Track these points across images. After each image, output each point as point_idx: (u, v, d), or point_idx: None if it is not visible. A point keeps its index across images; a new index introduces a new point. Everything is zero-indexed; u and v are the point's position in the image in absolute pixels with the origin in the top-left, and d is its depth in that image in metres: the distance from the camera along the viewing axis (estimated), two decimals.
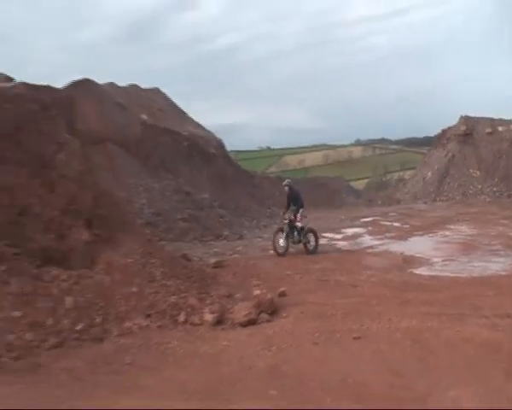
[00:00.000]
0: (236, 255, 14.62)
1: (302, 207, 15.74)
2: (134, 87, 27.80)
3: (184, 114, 30.91)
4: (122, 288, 8.19)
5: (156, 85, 30.59)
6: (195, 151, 25.72)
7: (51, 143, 8.90)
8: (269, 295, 8.81)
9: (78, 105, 12.28)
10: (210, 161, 26.52)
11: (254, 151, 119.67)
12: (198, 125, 30.47)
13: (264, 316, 8.12)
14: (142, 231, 11.24)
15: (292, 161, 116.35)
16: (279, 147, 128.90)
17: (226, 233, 20.20)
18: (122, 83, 26.59)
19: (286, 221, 15.39)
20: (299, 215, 15.49)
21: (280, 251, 15.09)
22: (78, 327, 7.01)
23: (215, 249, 16.20)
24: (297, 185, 36.76)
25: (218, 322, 7.91)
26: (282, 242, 15.26)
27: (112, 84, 24.62)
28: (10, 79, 11.76)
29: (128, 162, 19.57)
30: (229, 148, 33.55)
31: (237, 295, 9.39)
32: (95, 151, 13.47)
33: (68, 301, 7.31)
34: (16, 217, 8.06)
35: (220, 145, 30.21)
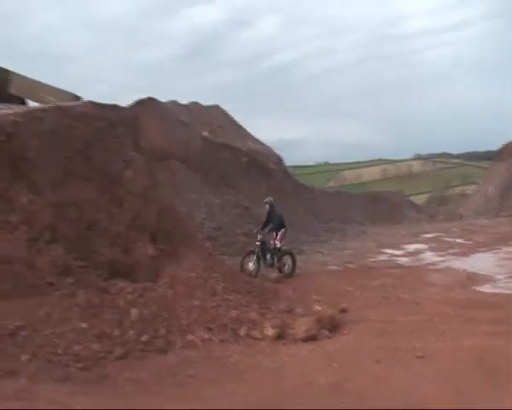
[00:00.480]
0: (296, 270, 14.56)
1: (284, 227, 14.82)
2: (195, 104, 28.27)
3: (243, 129, 31.17)
4: (185, 301, 8.31)
5: (216, 102, 30.99)
6: (254, 166, 25.86)
7: (118, 160, 9.17)
8: (329, 311, 8.79)
9: (142, 123, 12.61)
10: (269, 176, 26.59)
11: (312, 166, 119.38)
12: (257, 141, 30.64)
13: (325, 332, 8.10)
14: (203, 246, 11.38)
15: (349, 175, 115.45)
16: (337, 162, 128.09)
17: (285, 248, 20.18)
18: (184, 100, 27.06)
19: (258, 243, 14.22)
20: (280, 234, 14.56)
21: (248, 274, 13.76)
22: (143, 339, 7.14)
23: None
24: (356, 199, 36.40)
25: (279, 337, 7.93)
26: (251, 265, 13.90)
27: (174, 102, 25.13)
28: (78, 98, 12.20)
29: (189, 178, 19.88)
30: (287, 163, 33.55)
31: (298, 311, 9.38)
32: (158, 167, 13.74)
33: (134, 313, 7.47)
34: (84, 231, 8.31)
35: (279, 160, 30.26)
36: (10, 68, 13.43)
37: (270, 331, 7.96)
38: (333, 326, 8.32)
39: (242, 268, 13.72)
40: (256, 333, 7.98)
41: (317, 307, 9.57)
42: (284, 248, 14.86)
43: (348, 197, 36.51)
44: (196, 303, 8.34)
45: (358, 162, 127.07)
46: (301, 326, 8.06)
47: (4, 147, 7.97)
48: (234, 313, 8.42)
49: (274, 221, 14.67)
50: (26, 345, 6.20)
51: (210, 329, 7.87)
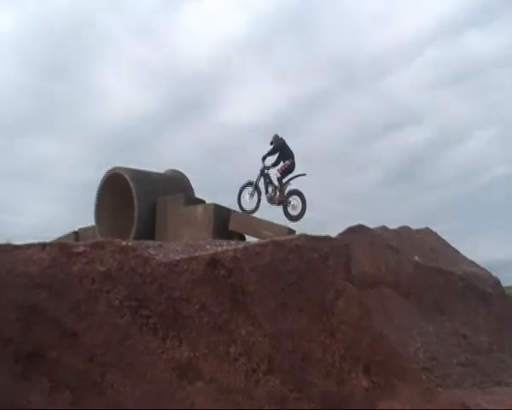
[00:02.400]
0: None
1: (289, 159, 13.96)
2: (405, 229, 27.91)
3: (456, 251, 29.90)
4: None
5: (426, 224, 30.32)
6: (470, 291, 24.44)
7: (330, 290, 9.29)
8: None
9: (352, 251, 12.74)
10: (486, 301, 24.91)
11: None
12: (471, 263, 29.11)
13: None
14: (418, 378, 10.83)
15: None
16: None
17: (507, 380, 18.46)
18: (392, 225, 26.92)
19: (259, 172, 13.90)
20: (282, 165, 13.86)
21: (246, 208, 13.83)
22: None
23: (495, 397, 14.82)
24: None
25: None
26: (247, 198, 13.80)
27: (383, 228, 25.05)
28: (292, 232, 12.79)
29: (401, 305, 19.34)
30: (504, 283, 31.27)
31: None
32: (369, 295, 13.66)
33: None
34: (299, 362, 8.42)
35: (496, 282, 28.33)
36: (230, 207, 14.57)
37: None
38: None
39: (240, 204, 13.74)
40: None
41: None
42: (293, 187, 13.93)
43: None
44: None
45: None
46: None
47: (225, 281, 8.57)
48: None
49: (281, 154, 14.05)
50: None
51: None
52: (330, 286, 9.37)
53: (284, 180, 14.16)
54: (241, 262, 8.78)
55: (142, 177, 15.72)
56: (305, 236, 9.66)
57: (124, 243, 8.71)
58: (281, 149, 14.28)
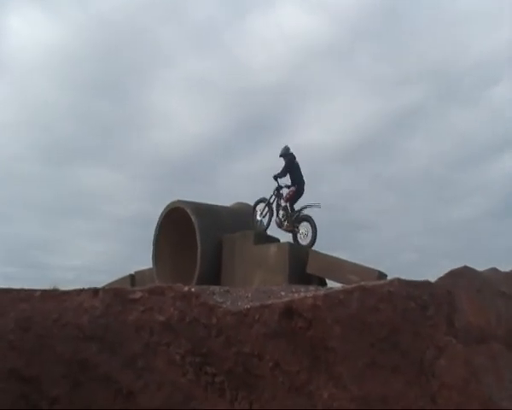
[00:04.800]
0: None
1: (295, 186, 14.72)
2: None
3: None
4: None
5: None
6: None
7: (430, 347, 8.86)
8: None
9: (456, 299, 12.23)
10: None
11: None
12: None
13: None
14: None
15: None
16: None
17: None
18: (504, 266, 25.91)
19: (274, 192, 14.90)
20: (288, 192, 14.72)
21: (257, 226, 14.87)
22: None
23: None
24: None
25: None
26: (258, 216, 14.86)
27: (493, 270, 24.14)
28: (384, 276, 12.39)
29: None
30: None
31: None
32: (476, 352, 13.09)
33: None
34: None
35: None
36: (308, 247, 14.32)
37: None
38: None
39: (252, 217, 14.88)
40: None
41: None
42: (303, 212, 14.53)
43: None
44: None
45: None
46: None
47: (304, 334, 8.27)
48: None
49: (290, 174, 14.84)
50: None
51: None
52: (430, 342, 8.92)
53: (296, 208, 14.96)
54: (323, 312, 8.47)
55: (205, 211, 15.69)
56: (399, 280, 9.25)
57: (186, 289, 8.62)
58: (290, 168, 15.12)
